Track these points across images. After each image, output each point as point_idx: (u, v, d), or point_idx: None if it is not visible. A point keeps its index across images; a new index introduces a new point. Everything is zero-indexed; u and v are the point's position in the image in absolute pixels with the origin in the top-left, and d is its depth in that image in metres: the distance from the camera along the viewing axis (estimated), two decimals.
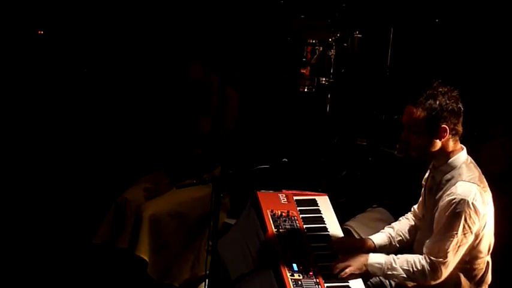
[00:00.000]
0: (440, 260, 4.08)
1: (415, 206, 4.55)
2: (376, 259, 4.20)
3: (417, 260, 4.13)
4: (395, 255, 4.21)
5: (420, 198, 4.50)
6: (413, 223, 4.52)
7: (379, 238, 4.46)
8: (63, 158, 6.97)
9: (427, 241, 4.14)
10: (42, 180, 6.73)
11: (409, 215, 4.56)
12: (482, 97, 6.85)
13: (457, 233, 4.04)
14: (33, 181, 6.71)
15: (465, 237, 4.07)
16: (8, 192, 6.54)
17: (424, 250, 4.14)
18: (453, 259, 4.10)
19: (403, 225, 4.52)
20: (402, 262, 4.16)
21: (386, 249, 4.46)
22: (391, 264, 4.16)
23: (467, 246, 4.12)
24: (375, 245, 4.43)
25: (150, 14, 7.49)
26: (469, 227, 4.05)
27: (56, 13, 7.36)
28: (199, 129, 5.64)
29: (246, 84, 7.15)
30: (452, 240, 4.05)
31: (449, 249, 4.06)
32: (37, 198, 6.56)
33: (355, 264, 4.20)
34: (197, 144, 5.63)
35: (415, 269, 4.13)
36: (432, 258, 4.09)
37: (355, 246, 4.43)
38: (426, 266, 4.11)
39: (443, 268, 4.10)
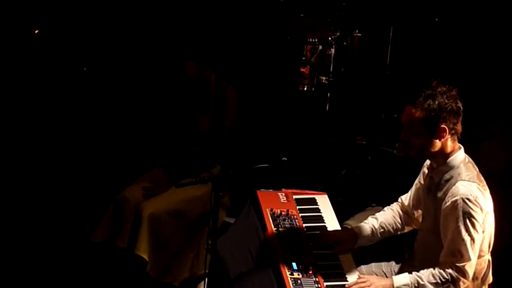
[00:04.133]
0: (465, 263, 4.07)
1: (403, 198, 4.55)
2: (402, 281, 4.15)
3: (442, 271, 4.10)
4: (418, 272, 4.16)
5: (410, 193, 4.50)
6: (397, 214, 4.53)
7: (362, 230, 4.47)
8: (62, 157, 6.97)
9: (444, 251, 4.12)
10: (41, 179, 6.73)
11: (395, 206, 4.57)
12: (482, 95, 6.86)
13: (470, 232, 4.04)
14: (32, 180, 6.70)
15: (478, 233, 4.07)
16: (7, 191, 6.54)
17: (444, 259, 4.11)
18: (474, 258, 4.10)
19: (387, 216, 4.53)
20: (428, 277, 4.11)
21: (369, 239, 4.49)
22: (418, 282, 4.12)
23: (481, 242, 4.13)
24: (356, 236, 4.43)
25: (148, 12, 7.49)
26: (479, 223, 4.06)
27: (54, 12, 7.35)
28: (197, 127, 5.64)
29: (245, 83, 7.14)
30: (468, 240, 4.05)
31: (469, 250, 4.06)
32: (36, 196, 6.55)
33: None
34: (195, 143, 5.63)
35: (443, 280, 4.10)
36: (457, 264, 4.08)
37: (340, 237, 4.42)
38: (453, 273, 4.09)
39: (469, 269, 4.09)
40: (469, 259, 4.07)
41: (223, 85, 5.66)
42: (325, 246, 4.38)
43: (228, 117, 5.64)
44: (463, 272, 4.09)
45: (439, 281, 4.11)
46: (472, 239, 4.06)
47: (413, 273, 4.16)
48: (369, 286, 4.17)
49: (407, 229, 4.59)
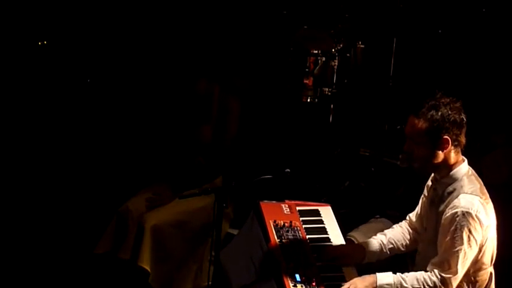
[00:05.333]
0: (451, 275, 4.07)
1: (411, 215, 4.55)
2: (385, 280, 4.16)
3: (427, 277, 4.11)
4: (402, 273, 4.19)
5: (417, 209, 4.50)
6: (406, 231, 4.52)
7: (370, 245, 4.46)
8: (65, 168, 6.97)
9: (434, 258, 4.13)
10: (44, 190, 6.73)
11: (403, 224, 4.57)
12: (485, 107, 6.85)
13: (463, 246, 4.04)
14: (35, 191, 6.70)
15: (471, 249, 4.07)
16: (11, 201, 6.54)
17: (431, 267, 4.12)
18: (462, 272, 4.10)
19: (395, 233, 4.52)
20: (412, 280, 4.13)
21: (377, 256, 4.48)
22: (401, 284, 4.13)
23: (473, 257, 4.12)
24: (365, 252, 4.43)
25: (154, 25, 7.50)
26: (474, 239, 4.06)
27: (60, 23, 7.37)
28: (200, 138, 5.65)
29: (248, 94, 7.14)
30: (460, 254, 4.05)
31: (458, 263, 4.06)
32: (39, 207, 6.56)
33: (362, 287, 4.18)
34: (199, 153, 5.64)
35: (426, 287, 4.11)
36: (442, 274, 4.08)
37: (347, 252, 4.43)
38: (437, 283, 4.09)
39: (453, 282, 4.09)
40: (456, 272, 4.07)
41: (226, 96, 5.67)
42: (328, 259, 4.38)
43: (230, 127, 5.65)
44: (446, 284, 4.08)
45: (421, 286, 4.11)
46: (464, 254, 4.06)
47: (397, 273, 4.17)
48: None
49: (416, 246, 4.57)
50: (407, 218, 4.58)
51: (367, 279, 4.20)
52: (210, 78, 5.64)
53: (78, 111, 7.35)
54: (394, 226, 4.58)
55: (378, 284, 4.16)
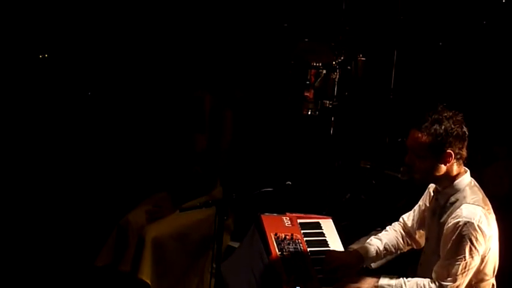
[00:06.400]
0: (450, 284, 4.08)
1: (405, 217, 4.56)
2: (386, 282, 4.20)
3: (427, 284, 4.12)
4: (406, 278, 4.20)
5: (413, 215, 4.51)
6: (400, 235, 4.54)
7: (368, 251, 4.47)
8: (66, 181, 6.96)
9: (436, 266, 4.14)
10: (45, 202, 6.72)
11: (397, 226, 4.58)
12: (486, 118, 6.86)
13: (464, 256, 4.04)
14: (36, 202, 6.70)
15: (473, 259, 4.07)
16: (11, 213, 6.53)
17: (433, 275, 4.13)
18: (463, 282, 4.09)
19: (390, 237, 4.54)
20: (412, 286, 4.15)
21: (372, 260, 4.50)
22: (401, 286, 4.16)
23: (475, 268, 4.11)
24: (363, 258, 4.44)
25: (153, 37, 7.51)
26: (476, 249, 4.06)
27: (60, 36, 7.38)
28: (195, 147, 5.66)
29: (249, 107, 7.15)
30: (460, 264, 4.05)
31: (458, 273, 4.06)
32: (40, 220, 6.55)
33: (365, 286, 4.20)
34: (196, 163, 5.64)
35: None
36: (442, 283, 4.09)
37: (345, 259, 4.42)
38: None
39: None
40: (455, 281, 4.08)
41: (219, 105, 5.68)
42: (330, 269, 4.37)
43: (224, 137, 5.66)
44: None
45: None
46: (465, 264, 4.06)
47: (401, 278, 4.20)
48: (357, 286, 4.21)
49: (407, 248, 4.59)
50: (401, 220, 4.59)
51: (369, 280, 4.24)
52: (204, 88, 5.65)
53: (78, 124, 7.35)
54: (388, 229, 4.60)
55: (379, 284, 4.20)
